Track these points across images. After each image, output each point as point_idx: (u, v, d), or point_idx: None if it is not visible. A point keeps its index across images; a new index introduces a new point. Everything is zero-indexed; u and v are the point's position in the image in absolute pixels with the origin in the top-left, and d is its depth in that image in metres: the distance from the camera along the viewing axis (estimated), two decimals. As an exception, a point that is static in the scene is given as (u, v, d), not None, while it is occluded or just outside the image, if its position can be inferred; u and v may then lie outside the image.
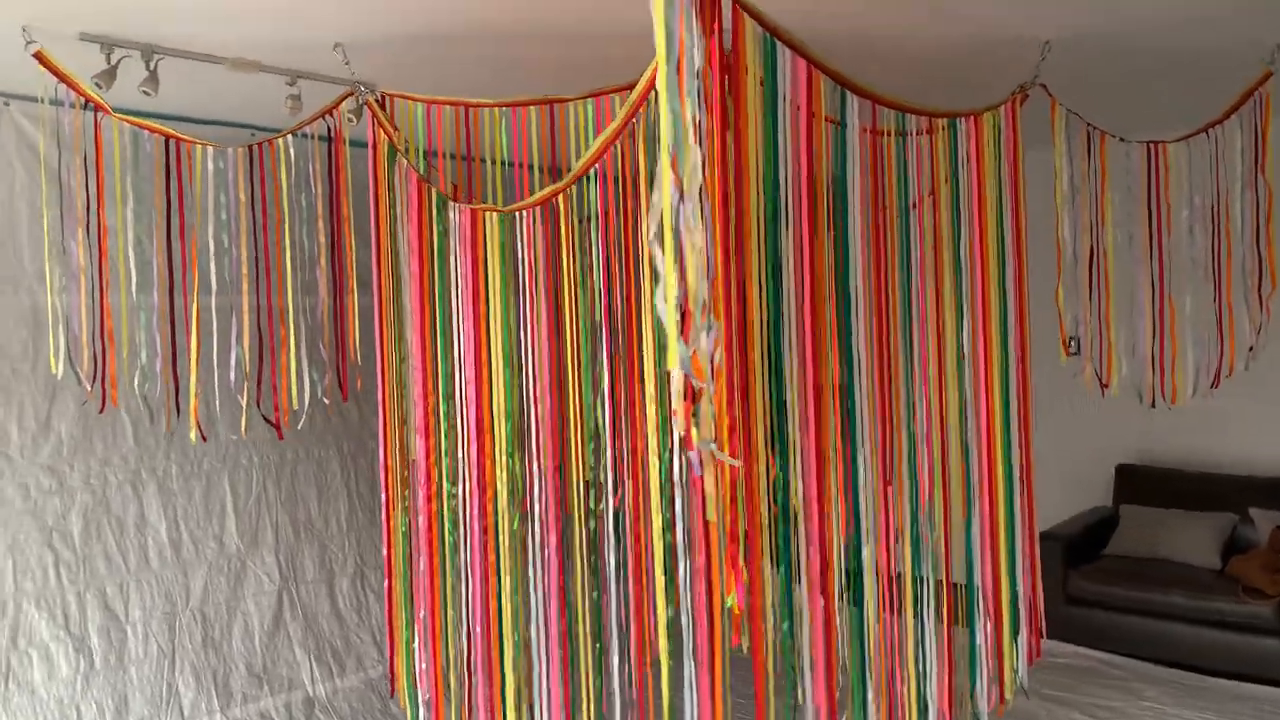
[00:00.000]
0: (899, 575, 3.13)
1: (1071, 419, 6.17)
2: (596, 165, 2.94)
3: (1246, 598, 5.07)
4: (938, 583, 3.26)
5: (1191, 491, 5.81)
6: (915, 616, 3.18)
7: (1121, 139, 4.05)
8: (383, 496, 3.70)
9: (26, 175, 3.97)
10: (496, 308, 3.28)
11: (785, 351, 2.53)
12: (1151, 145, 4.16)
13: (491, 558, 3.37)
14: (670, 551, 2.66)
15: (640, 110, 2.55)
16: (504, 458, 3.32)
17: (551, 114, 3.53)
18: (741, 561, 2.26)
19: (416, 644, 3.61)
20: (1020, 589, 3.46)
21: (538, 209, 3.17)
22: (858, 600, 2.88)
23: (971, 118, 3.30)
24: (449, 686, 3.58)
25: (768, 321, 2.48)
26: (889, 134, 3.06)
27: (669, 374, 1.75)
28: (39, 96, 3.23)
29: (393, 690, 3.83)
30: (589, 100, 3.41)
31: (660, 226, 1.69)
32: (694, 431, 1.75)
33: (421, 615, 3.56)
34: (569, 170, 2.98)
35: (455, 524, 3.46)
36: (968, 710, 3.41)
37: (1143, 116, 4.56)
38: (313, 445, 4.88)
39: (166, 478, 4.41)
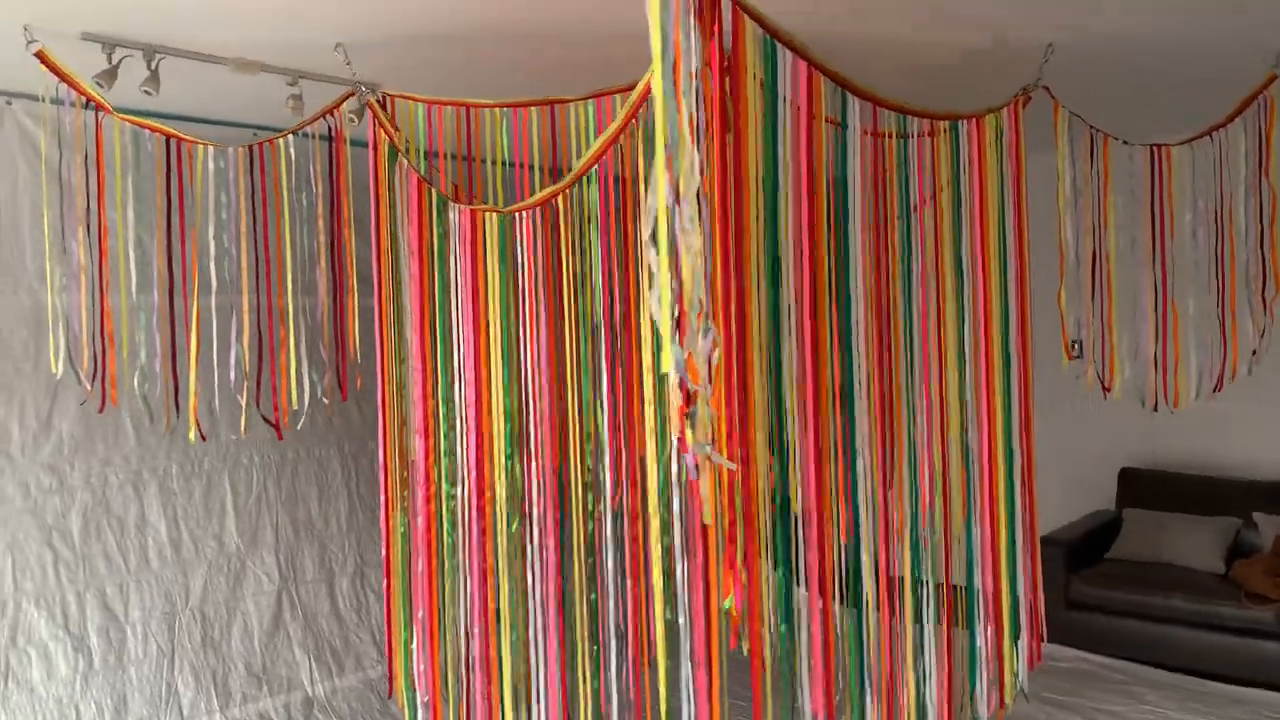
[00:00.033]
0: (900, 578, 3.12)
1: (1074, 422, 6.15)
2: (596, 166, 2.93)
3: (1249, 603, 5.06)
4: (938, 585, 3.26)
5: (1195, 495, 5.80)
6: (915, 620, 3.17)
7: (1125, 142, 4.04)
8: (381, 497, 3.70)
9: (29, 174, 3.97)
10: (496, 309, 3.28)
11: (785, 354, 2.52)
12: (1155, 148, 4.15)
13: (490, 559, 3.37)
14: (668, 553, 2.65)
15: (640, 111, 2.54)
16: (503, 459, 3.32)
17: (552, 115, 3.52)
18: (739, 564, 2.25)
19: (415, 645, 3.60)
20: (1021, 593, 3.45)
21: (537, 210, 3.16)
22: (857, 602, 2.88)
23: (974, 120, 3.29)
24: (447, 687, 3.58)
25: (767, 324, 2.47)
26: (890, 136, 3.05)
27: (665, 376, 1.74)
28: (40, 95, 3.24)
29: (391, 691, 3.82)
30: (590, 101, 3.41)
31: (655, 228, 1.68)
32: (689, 435, 1.75)
33: (420, 616, 3.55)
34: (569, 171, 2.97)
35: (454, 525, 3.46)
36: (967, 714, 3.40)
37: (1146, 119, 4.54)
38: (314, 445, 4.88)
39: (167, 477, 4.41)
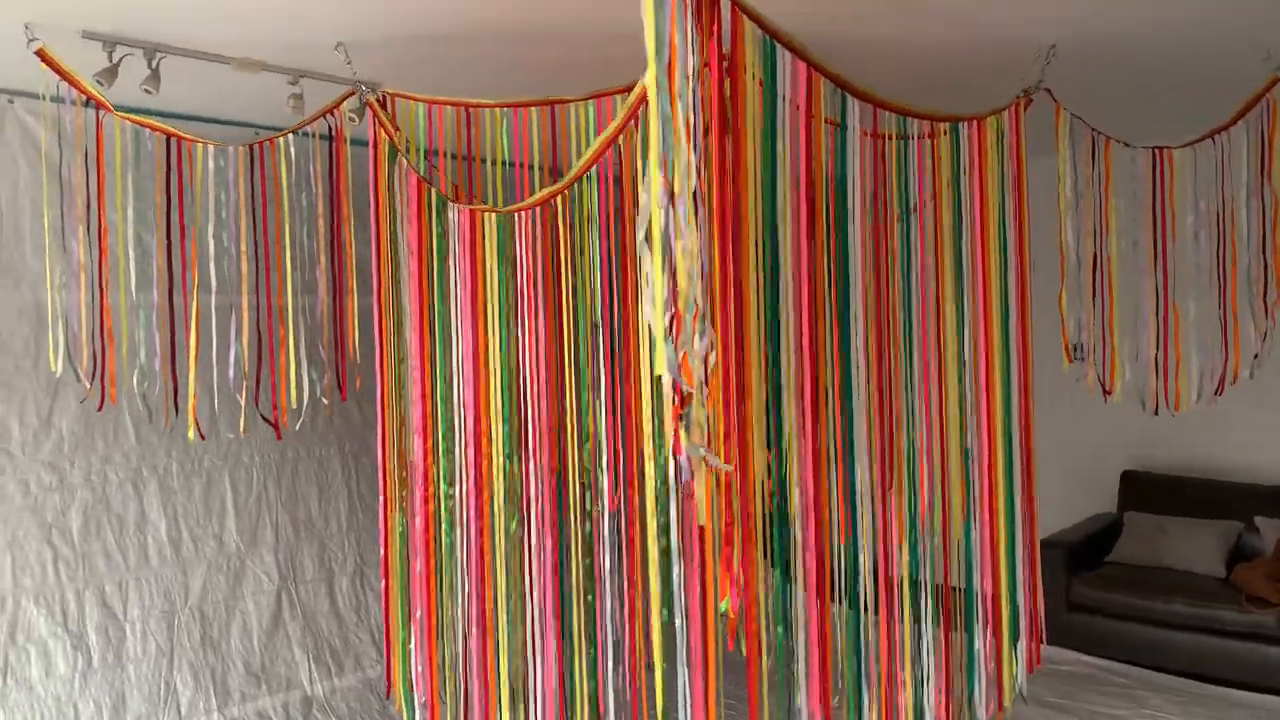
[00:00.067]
0: (899, 580, 3.11)
1: (1075, 424, 6.14)
2: (595, 167, 2.93)
3: (1250, 607, 5.05)
4: (937, 587, 3.25)
5: (1196, 499, 5.79)
6: (913, 621, 3.17)
7: (1126, 144, 4.03)
8: (380, 497, 3.70)
9: (30, 172, 3.98)
10: (495, 309, 3.28)
11: (783, 355, 2.52)
12: (1157, 151, 4.14)
13: (488, 559, 3.37)
14: (666, 555, 2.65)
15: (639, 112, 2.54)
16: (501, 459, 3.32)
17: (552, 115, 3.52)
18: (736, 566, 2.25)
19: (413, 645, 3.60)
20: (1020, 595, 3.44)
21: (536, 210, 3.16)
22: (855, 604, 2.87)
23: (974, 122, 3.29)
24: (445, 688, 3.58)
25: (765, 325, 2.46)
26: (890, 137, 3.04)
27: (659, 377, 1.73)
28: (40, 94, 3.24)
29: (389, 691, 3.82)
30: (590, 101, 3.41)
31: (648, 229, 1.68)
32: (683, 436, 1.74)
33: (418, 616, 3.55)
34: (569, 171, 2.97)
35: (452, 525, 3.46)
36: (966, 717, 3.40)
37: (1148, 122, 4.53)
38: (314, 444, 4.88)
39: (167, 475, 4.41)
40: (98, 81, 3.22)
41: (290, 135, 3.89)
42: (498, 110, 3.61)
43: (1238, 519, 5.62)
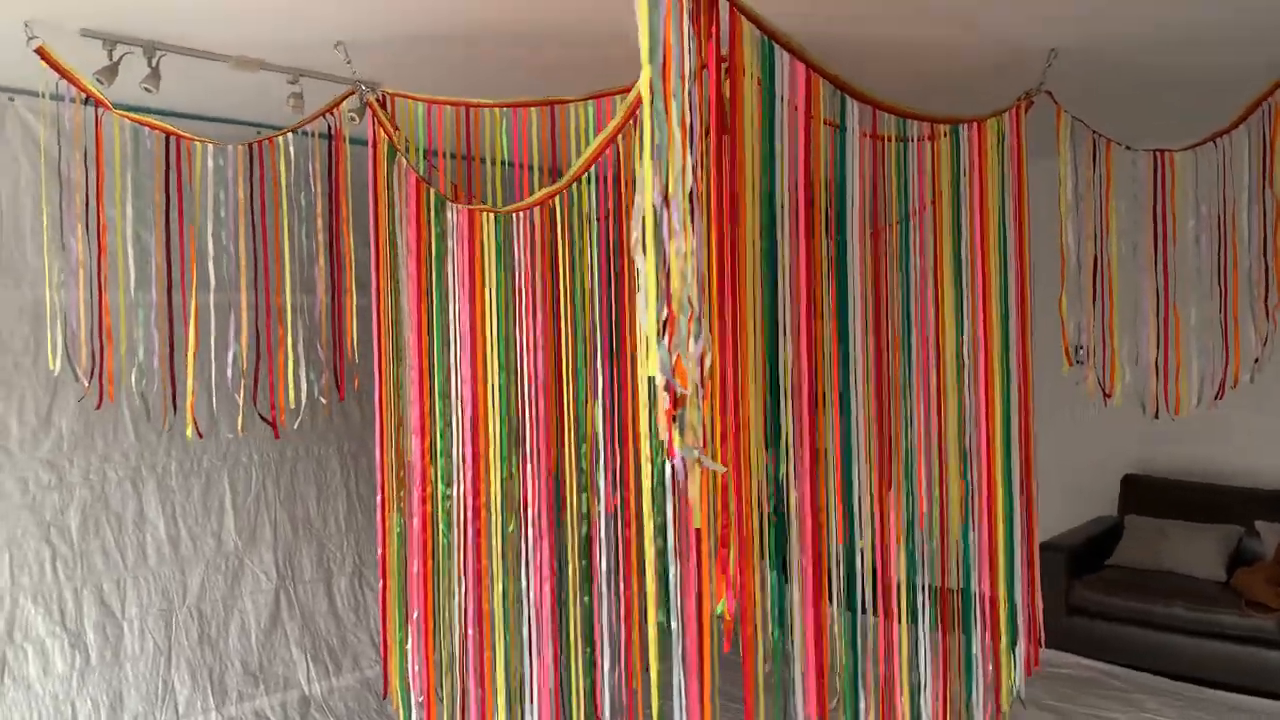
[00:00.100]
0: (896, 582, 3.11)
1: (1076, 428, 6.13)
2: (594, 167, 2.92)
3: (1250, 611, 5.04)
4: (935, 589, 3.24)
5: (1197, 503, 5.79)
6: (911, 623, 3.16)
7: (1128, 147, 4.02)
8: (378, 497, 3.70)
9: (31, 170, 3.98)
10: (493, 309, 3.27)
11: (780, 357, 2.51)
12: (1158, 154, 4.14)
13: (485, 560, 3.36)
14: (662, 556, 2.64)
15: (637, 112, 2.53)
16: (499, 460, 3.31)
17: (552, 115, 3.52)
18: (732, 568, 2.24)
19: (410, 645, 3.60)
20: (1019, 598, 3.43)
21: (535, 210, 3.16)
22: (852, 606, 2.87)
23: (975, 124, 3.28)
24: (441, 688, 3.57)
25: (763, 327, 2.46)
26: (890, 139, 3.04)
27: (652, 378, 1.73)
28: (40, 92, 3.24)
29: (386, 691, 3.82)
30: (589, 102, 3.40)
31: (642, 231, 1.67)
32: (676, 438, 1.74)
33: (415, 617, 3.55)
34: (568, 171, 2.97)
35: (449, 526, 3.46)
36: (963, 720, 3.39)
37: (1149, 125, 4.53)
38: (313, 444, 4.88)
39: (166, 474, 4.41)
40: (97, 80, 3.22)
41: (289, 134, 3.89)
42: (497, 110, 3.61)
43: (1238, 523, 5.61)
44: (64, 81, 3.22)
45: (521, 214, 3.20)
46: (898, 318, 3.11)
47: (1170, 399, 4.23)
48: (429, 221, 3.46)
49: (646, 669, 2.84)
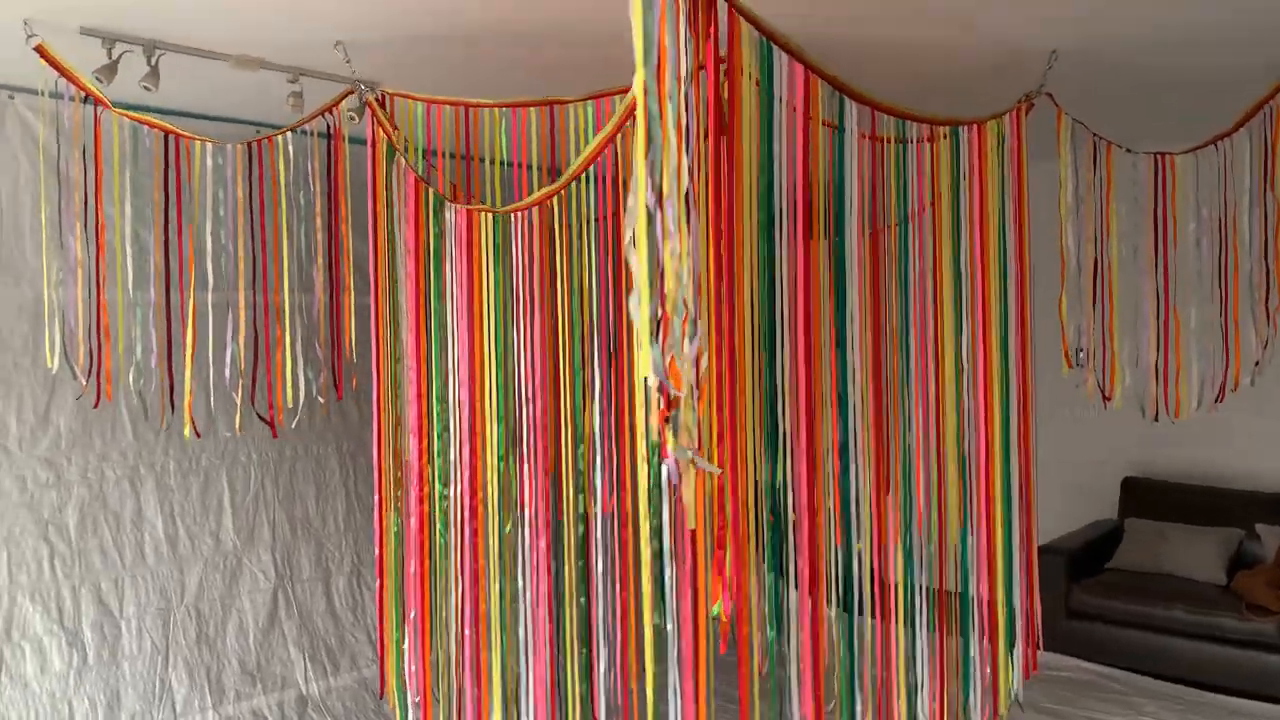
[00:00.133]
0: (894, 583, 3.10)
1: (1076, 430, 6.13)
2: (593, 167, 2.92)
3: (1250, 614, 5.03)
4: (933, 591, 3.24)
5: (1197, 506, 5.78)
6: (908, 625, 3.15)
7: (1128, 150, 4.02)
8: (375, 497, 3.70)
9: (31, 168, 3.98)
10: (491, 309, 3.27)
11: (778, 359, 2.51)
12: (1159, 156, 4.13)
13: (482, 560, 3.36)
14: (658, 557, 2.64)
15: (635, 113, 2.53)
16: (496, 460, 3.31)
17: (551, 115, 3.52)
18: (728, 570, 2.24)
19: (406, 645, 3.60)
20: (1017, 601, 3.43)
21: (533, 210, 3.15)
22: (849, 608, 2.86)
23: (975, 126, 3.28)
24: (438, 688, 3.57)
25: (761, 328, 2.45)
26: (889, 141, 3.03)
27: (645, 379, 1.73)
28: (39, 90, 3.24)
29: (382, 691, 3.82)
30: (589, 102, 3.40)
31: (634, 231, 1.67)
32: (670, 440, 1.73)
33: (412, 616, 3.55)
34: (567, 171, 2.96)
35: (446, 526, 3.45)
36: (961, 722, 3.39)
37: (1148, 126, 4.53)
38: (312, 443, 4.88)
39: (164, 473, 4.41)
40: (96, 78, 3.22)
41: (289, 133, 3.89)
42: (496, 110, 3.60)
43: (1239, 526, 5.61)
44: (63, 79, 3.22)
45: (520, 214, 3.19)
46: (896, 320, 3.10)
47: (1170, 402, 4.23)
48: (428, 221, 3.46)
49: (642, 670, 2.83)
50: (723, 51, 2.26)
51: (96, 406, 3.94)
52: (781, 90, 2.45)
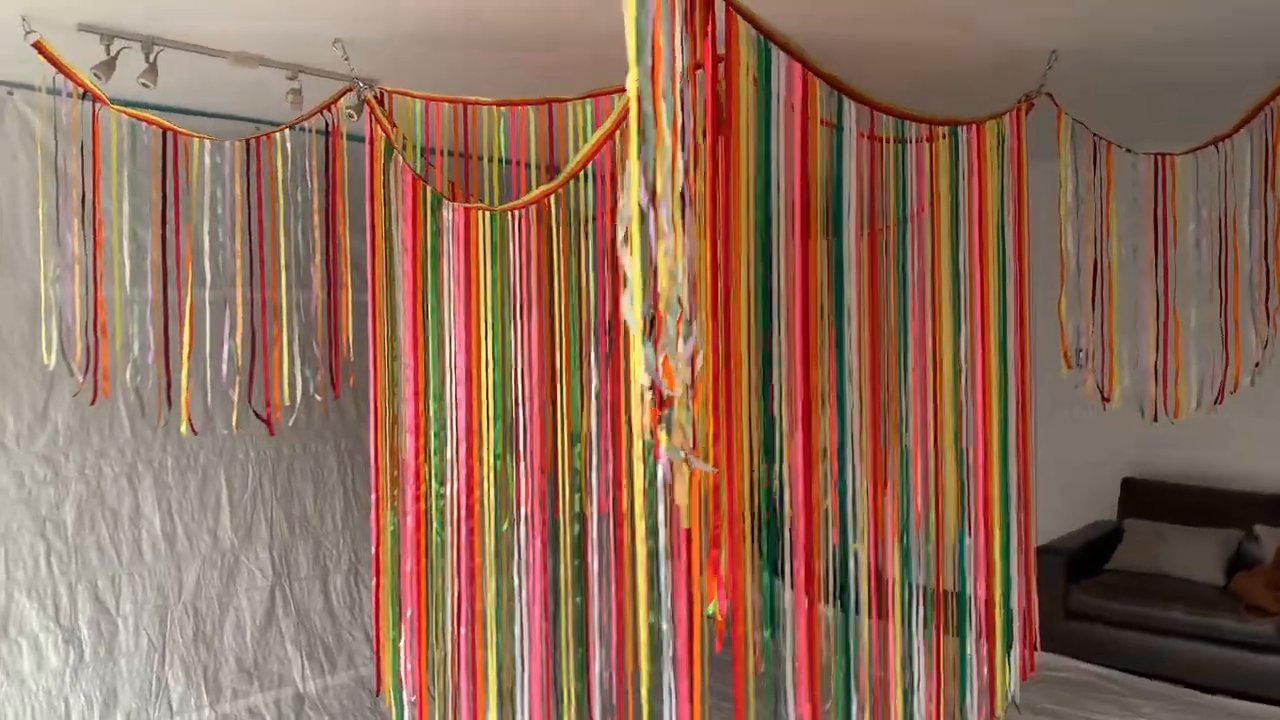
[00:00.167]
0: (890, 583, 3.10)
1: (1075, 431, 6.13)
2: (590, 166, 2.92)
3: (1249, 615, 5.03)
4: (930, 591, 3.23)
5: (1196, 507, 5.78)
6: (903, 624, 3.15)
7: (1128, 150, 4.01)
8: (372, 495, 3.69)
9: (29, 164, 3.97)
10: (488, 307, 3.27)
11: (774, 358, 2.50)
12: (1159, 157, 4.13)
13: (478, 559, 3.36)
14: (654, 557, 2.64)
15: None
16: (492, 459, 3.31)
17: (550, 114, 3.51)
18: (724, 570, 2.23)
19: (403, 643, 3.59)
20: (1014, 602, 3.42)
21: (531, 209, 3.15)
22: (845, 606, 2.86)
23: (974, 126, 3.27)
24: (434, 686, 3.57)
25: (757, 327, 2.45)
26: (887, 140, 3.03)
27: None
28: (37, 85, 3.23)
29: (379, 689, 3.82)
30: (588, 100, 3.40)
31: (627, 230, 1.66)
32: (663, 439, 1.73)
33: (408, 615, 3.54)
34: (565, 170, 2.96)
35: (443, 524, 3.45)
36: (958, 722, 3.39)
37: (1148, 126, 4.52)
38: (310, 441, 4.88)
39: (162, 470, 4.41)
40: (95, 75, 3.21)
41: (287, 130, 3.88)
42: (495, 108, 3.60)
43: (1237, 527, 5.60)
44: (61, 76, 3.22)
45: (518, 213, 3.19)
46: (894, 320, 3.10)
47: (1169, 403, 4.22)
48: (425, 219, 3.46)
49: (638, 669, 2.83)
50: (720, 50, 2.26)
51: (94, 403, 3.94)
52: (779, 89, 2.45)
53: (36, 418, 4.04)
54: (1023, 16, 3.23)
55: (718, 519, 2.22)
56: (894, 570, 3.10)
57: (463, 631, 3.41)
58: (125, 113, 3.47)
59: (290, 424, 4.28)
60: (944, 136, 3.21)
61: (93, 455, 4.20)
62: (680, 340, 1.73)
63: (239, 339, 3.96)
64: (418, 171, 3.50)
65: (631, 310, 1.65)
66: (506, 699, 3.37)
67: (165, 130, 3.66)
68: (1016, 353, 3.40)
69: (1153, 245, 4.15)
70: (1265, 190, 3.95)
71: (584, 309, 3.23)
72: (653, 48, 1.69)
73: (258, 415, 4.07)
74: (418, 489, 3.49)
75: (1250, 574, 5.29)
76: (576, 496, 3.31)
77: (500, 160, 3.77)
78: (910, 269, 3.12)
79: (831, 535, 2.79)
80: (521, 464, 3.28)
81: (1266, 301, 4.03)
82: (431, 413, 3.46)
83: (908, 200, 3.09)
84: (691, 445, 1.82)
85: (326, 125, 3.86)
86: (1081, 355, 4.00)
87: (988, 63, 3.66)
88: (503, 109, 3.59)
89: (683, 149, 1.77)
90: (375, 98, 3.65)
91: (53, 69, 3.19)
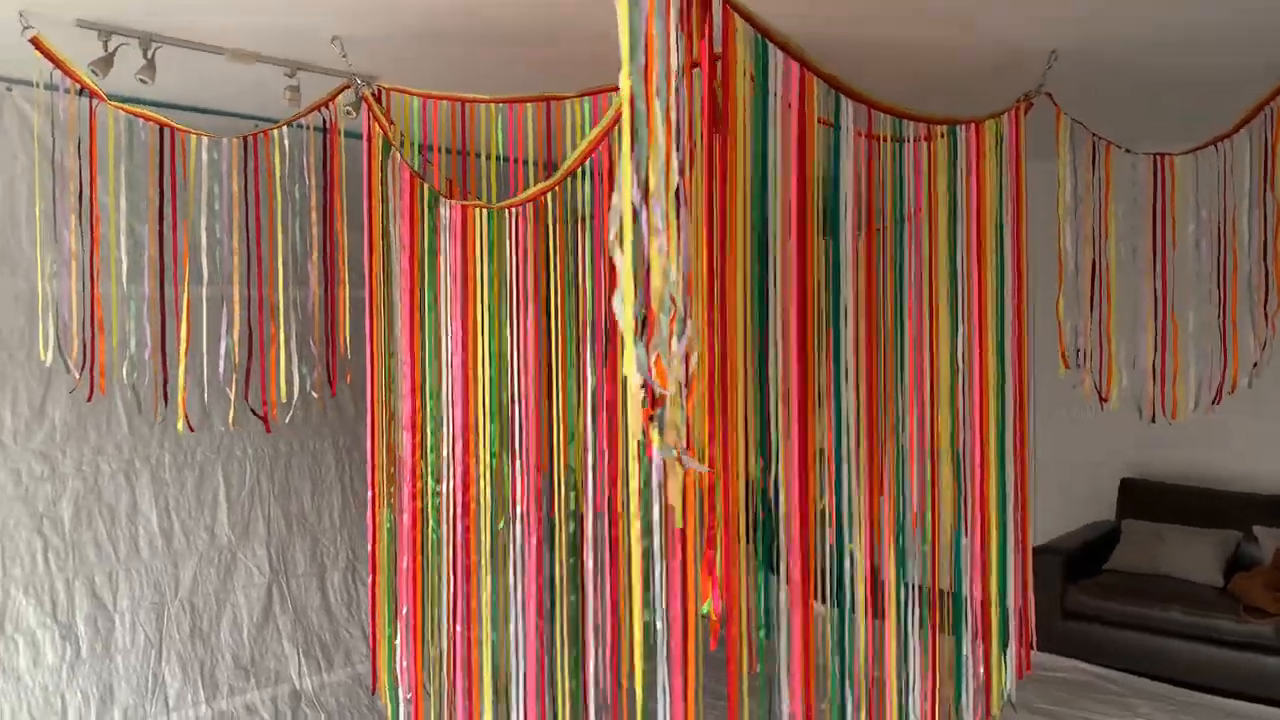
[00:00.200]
0: (885, 581, 3.09)
1: (1073, 431, 6.12)
2: (590, 163, 2.91)
3: (1247, 616, 5.03)
4: (925, 590, 3.23)
5: (1195, 507, 5.78)
6: (899, 624, 3.15)
7: (1128, 150, 4.01)
8: (369, 493, 3.69)
9: (27, 160, 3.97)
10: (485, 305, 3.26)
11: (771, 357, 2.50)
12: (1158, 157, 4.12)
13: (474, 557, 3.36)
14: (648, 555, 2.63)
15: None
16: (488, 457, 3.30)
17: (548, 111, 3.51)
18: (718, 569, 2.23)
19: (399, 641, 3.59)
20: (1010, 601, 3.42)
21: (528, 206, 3.15)
22: (841, 605, 2.86)
23: (973, 125, 3.26)
24: (430, 684, 3.57)
25: (753, 325, 2.44)
26: (885, 139, 3.02)
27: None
28: (35, 81, 3.23)
29: (374, 687, 3.81)
30: (586, 98, 3.39)
31: (619, 228, 1.66)
32: (655, 438, 1.72)
33: (404, 612, 3.54)
34: (562, 167, 2.96)
35: (439, 522, 3.45)
36: (953, 722, 3.38)
37: (1148, 126, 4.51)
38: (307, 438, 4.87)
39: (159, 467, 4.40)
40: (93, 71, 3.21)
41: (285, 127, 3.88)
42: (493, 105, 3.59)
43: (1236, 528, 5.60)
44: (59, 72, 3.21)
45: (515, 210, 3.18)
46: (891, 319, 3.09)
47: (1168, 403, 4.22)
48: (423, 216, 3.45)
49: (632, 667, 2.83)
50: (717, 48, 2.25)
51: (90, 400, 3.94)
52: (776, 87, 2.44)
53: (34, 414, 4.04)
54: (1023, 16, 3.23)
55: (713, 518, 2.22)
56: (890, 570, 3.10)
57: (458, 629, 3.41)
58: (123, 109, 3.47)
59: (287, 421, 4.29)
60: (942, 136, 3.20)
61: (90, 452, 4.20)
62: (674, 339, 1.73)
63: (236, 336, 3.95)
64: (415, 169, 3.50)
65: (623, 309, 1.65)
66: (502, 696, 3.37)
67: (163, 127, 3.66)
68: (1014, 353, 3.40)
69: (1151, 246, 4.15)
70: (1265, 191, 3.94)
71: (581, 307, 3.23)
72: (646, 46, 1.69)
73: (255, 412, 4.07)
74: (414, 486, 3.48)
75: (1249, 575, 5.29)
76: (572, 495, 3.31)
77: (498, 157, 3.76)
78: (908, 268, 3.11)
79: (828, 535, 2.79)
80: (517, 462, 3.27)
81: (1265, 303, 4.02)
82: (428, 410, 3.46)
83: (905, 200, 3.09)
84: (685, 444, 1.81)
85: (324, 122, 3.85)
86: (1080, 355, 4.00)
87: (987, 63, 3.65)
88: (500, 106, 3.58)
89: (677, 148, 1.76)
90: (373, 95, 3.64)
91: (50, 65, 3.18)
